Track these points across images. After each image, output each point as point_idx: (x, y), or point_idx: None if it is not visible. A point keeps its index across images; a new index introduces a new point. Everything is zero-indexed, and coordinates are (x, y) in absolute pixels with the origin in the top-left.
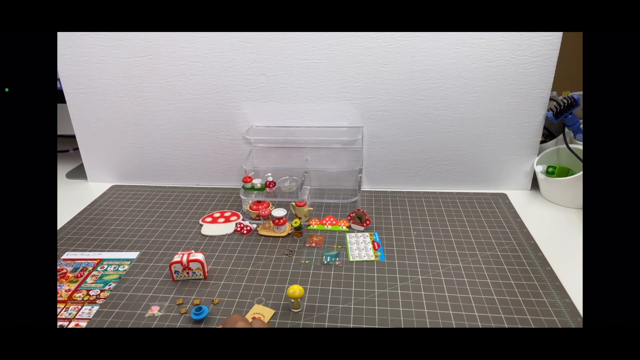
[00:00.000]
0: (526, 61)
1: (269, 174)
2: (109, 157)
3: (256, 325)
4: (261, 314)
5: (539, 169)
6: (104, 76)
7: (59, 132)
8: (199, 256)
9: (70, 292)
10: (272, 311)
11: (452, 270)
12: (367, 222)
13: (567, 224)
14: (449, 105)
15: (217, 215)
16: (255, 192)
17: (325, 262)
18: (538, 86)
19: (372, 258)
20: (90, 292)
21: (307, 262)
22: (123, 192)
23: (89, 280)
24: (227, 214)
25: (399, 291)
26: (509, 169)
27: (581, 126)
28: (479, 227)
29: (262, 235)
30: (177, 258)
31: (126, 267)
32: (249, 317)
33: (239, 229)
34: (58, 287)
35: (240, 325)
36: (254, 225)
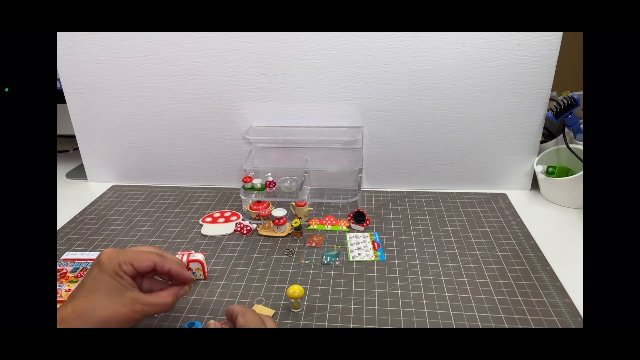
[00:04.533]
0: (526, 61)
1: (269, 174)
2: (109, 157)
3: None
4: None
5: (539, 169)
6: (104, 76)
7: (59, 132)
8: (199, 256)
9: (70, 292)
10: (272, 311)
11: (452, 270)
12: (367, 222)
13: (567, 224)
14: (449, 105)
15: (217, 215)
16: (255, 192)
17: (325, 262)
18: (538, 86)
19: (372, 258)
20: None
21: (307, 262)
22: (123, 192)
23: None
24: (227, 214)
25: (399, 291)
26: (509, 169)
27: (581, 126)
28: (479, 227)
29: (262, 235)
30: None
31: None
32: None
33: (239, 229)
34: (58, 287)
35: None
36: (254, 225)
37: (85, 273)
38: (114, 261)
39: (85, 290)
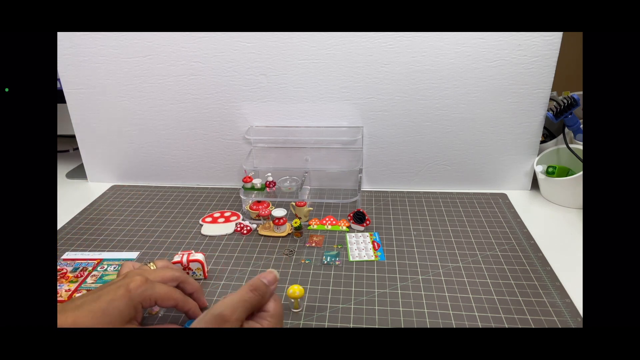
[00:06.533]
0: (526, 61)
1: (269, 174)
2: (109, 157)
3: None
4: None
5: (539, 169)
6: (104, 76)
7: (59, 132)
8: (199, 256)
9: (70, 292)
10: None
11: (452, 270)
12: (367, 222)
13: (567, 224)
14: (449, 105)
15: (217, 215)
16: (255, 192)
17: (325, 262)
18: (538, 86)
19: (372, 258)
20: None
21: (307, 262)
22: (123, 192)
23: (89, 280)
24: (227, 214)
25: (399, 291)
26: (509, 169)
27: (581, 126)
28: (479, 227)
29: (262, 235)
30: (177, 258)
31: None
32: None
33: (239, 229)
34: (58, 287)
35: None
36: (254, 225)
37: (87, 274)
38: (141, 294)
39: (99, 307)
